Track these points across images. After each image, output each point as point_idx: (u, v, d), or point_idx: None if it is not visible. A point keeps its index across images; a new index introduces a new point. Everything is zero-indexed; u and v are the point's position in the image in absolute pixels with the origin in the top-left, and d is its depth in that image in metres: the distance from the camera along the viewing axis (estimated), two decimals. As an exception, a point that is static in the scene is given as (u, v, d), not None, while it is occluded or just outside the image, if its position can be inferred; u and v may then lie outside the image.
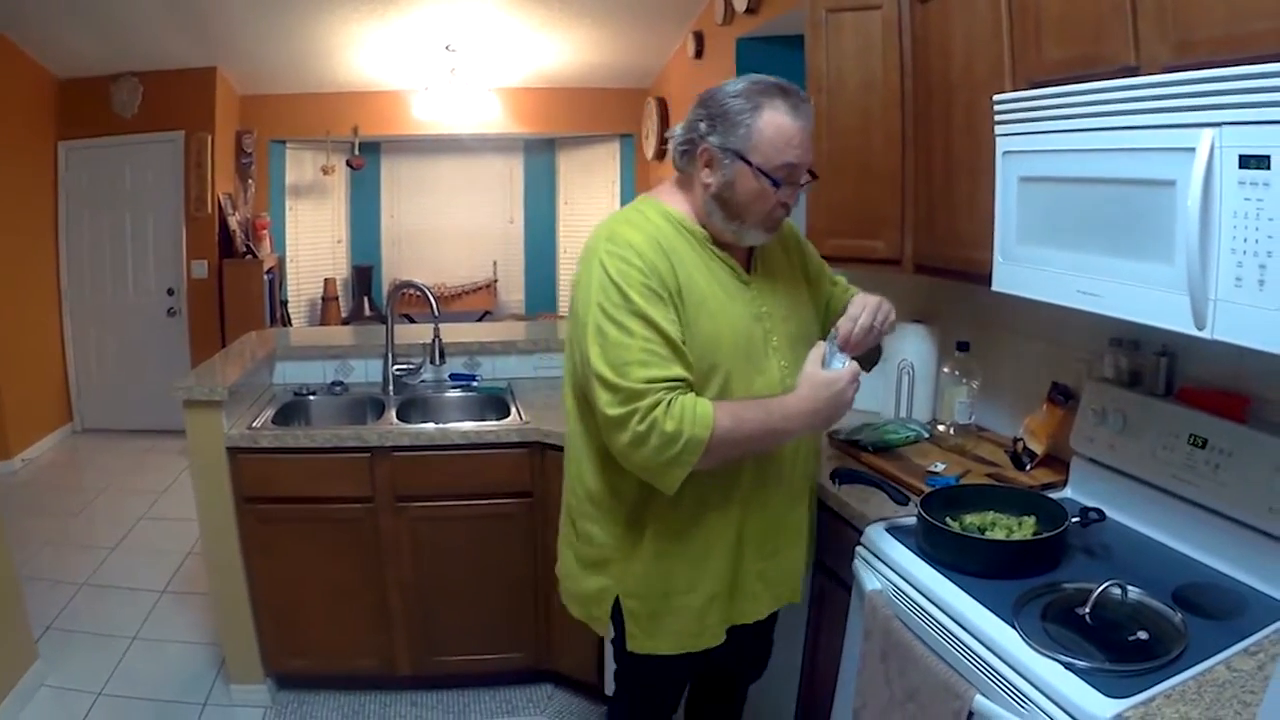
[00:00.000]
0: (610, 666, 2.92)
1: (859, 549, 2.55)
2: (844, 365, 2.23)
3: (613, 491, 2.36)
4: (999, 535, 2.35)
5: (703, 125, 2.24)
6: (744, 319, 2.29)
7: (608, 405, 2.13)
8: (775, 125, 2.17)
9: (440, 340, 4.22)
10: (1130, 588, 2.01)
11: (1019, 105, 2.29)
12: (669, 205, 2.33)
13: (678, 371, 2.13)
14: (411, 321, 8.26)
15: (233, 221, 8.25)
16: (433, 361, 4.26)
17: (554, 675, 4.02)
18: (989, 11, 2.53)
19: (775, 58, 6.47)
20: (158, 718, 3.80)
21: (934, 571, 2.25)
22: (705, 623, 2.40)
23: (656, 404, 2.08)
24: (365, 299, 10.42)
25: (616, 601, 2.43)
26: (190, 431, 3.61)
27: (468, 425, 3.84)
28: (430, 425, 3.86)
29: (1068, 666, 1.78)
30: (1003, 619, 1.99)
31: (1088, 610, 1.91)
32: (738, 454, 2.22)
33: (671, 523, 2.33)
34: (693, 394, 2.15)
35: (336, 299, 10.30)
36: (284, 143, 9.53)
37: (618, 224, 2.28)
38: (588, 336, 2.18)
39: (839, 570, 2.69)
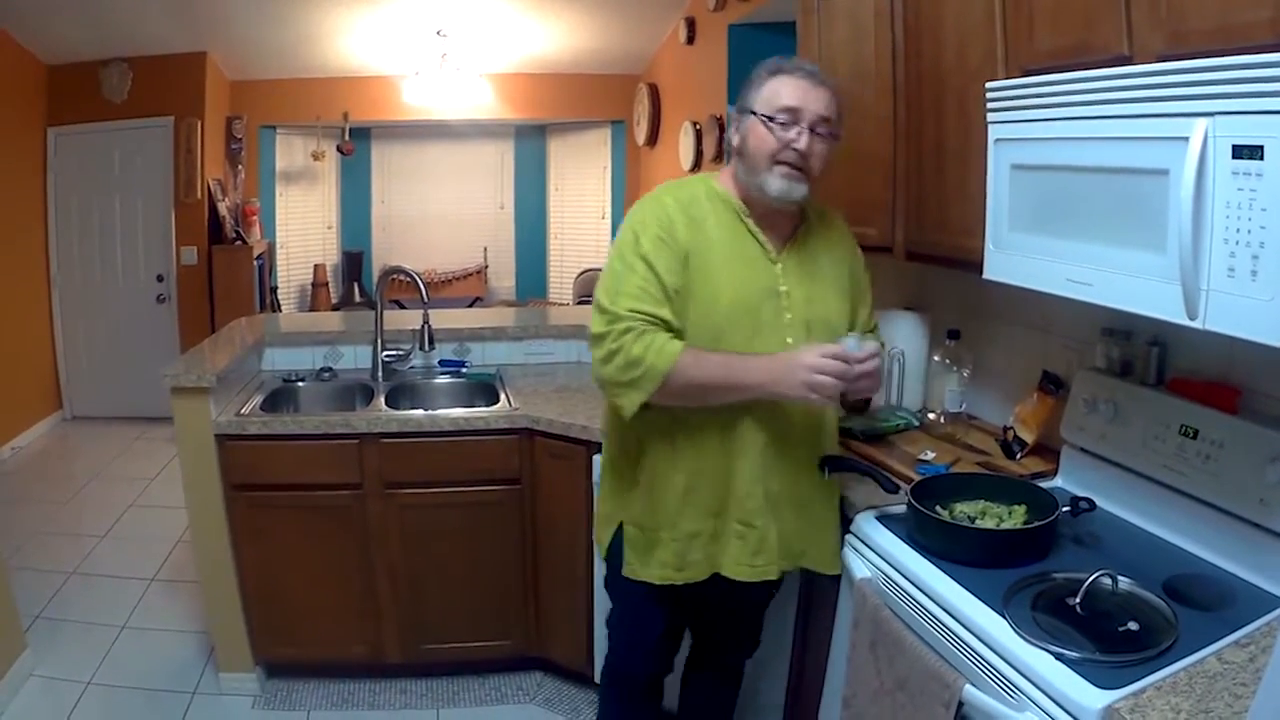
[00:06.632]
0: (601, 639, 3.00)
1: (849, 537, 2.56)
2: None
3: (625, 426, 2.55)
4: (989, 524, 2.35)
5: (736, 106, 2.53)
6: (754, 289, 2.46)
7: (594, 324, 2.43)
8: (777, 81, 2.44)
9: (430, 326, 4.21)
10: (1121, 578, 2.00)
11: (1012, 93, 2.28)
12: (716, 182, 2.57)
13: (663, 313, 2.38)
14: (402, 307, 8.22)
15: (222, 207, 8.23)
16: (422, 348, 4.24)
17: (543, 663, 4.02)
18: (982, -1, 2.53)
19: (767, 44, 6.42)
20: (147, 706, 3.79)
21: (924, 560, 2.25)
22: (687, 559, 2.55)
23: (629, 330, 2.35)
24: (355, 285, 10.40)
25: (618, 532, 2.67)
26: (178, 418, 3.59)
27: (457, 412, 3.83)
28: (419, 412, 3.86)
29: (1058, 657, 1.78)
30: (993, 608, 1.98)
31: (1078, 600, 1.91)
32: (697, 393, 2.40)
33: (665, 460, 2.53)
34: (670, 335, 2.38)
35: (326, 285, 10.28)
36: (274, 128, 9.50)
37: (663, 188, 2.57)
38: (603, 271, 2.49)
39: (829, 559, 2.68)
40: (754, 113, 2.44)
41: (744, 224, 2.50)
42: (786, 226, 2.56)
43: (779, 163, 2.41)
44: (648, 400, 2.38)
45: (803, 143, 2.39)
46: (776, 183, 2.42)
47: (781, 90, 2.41)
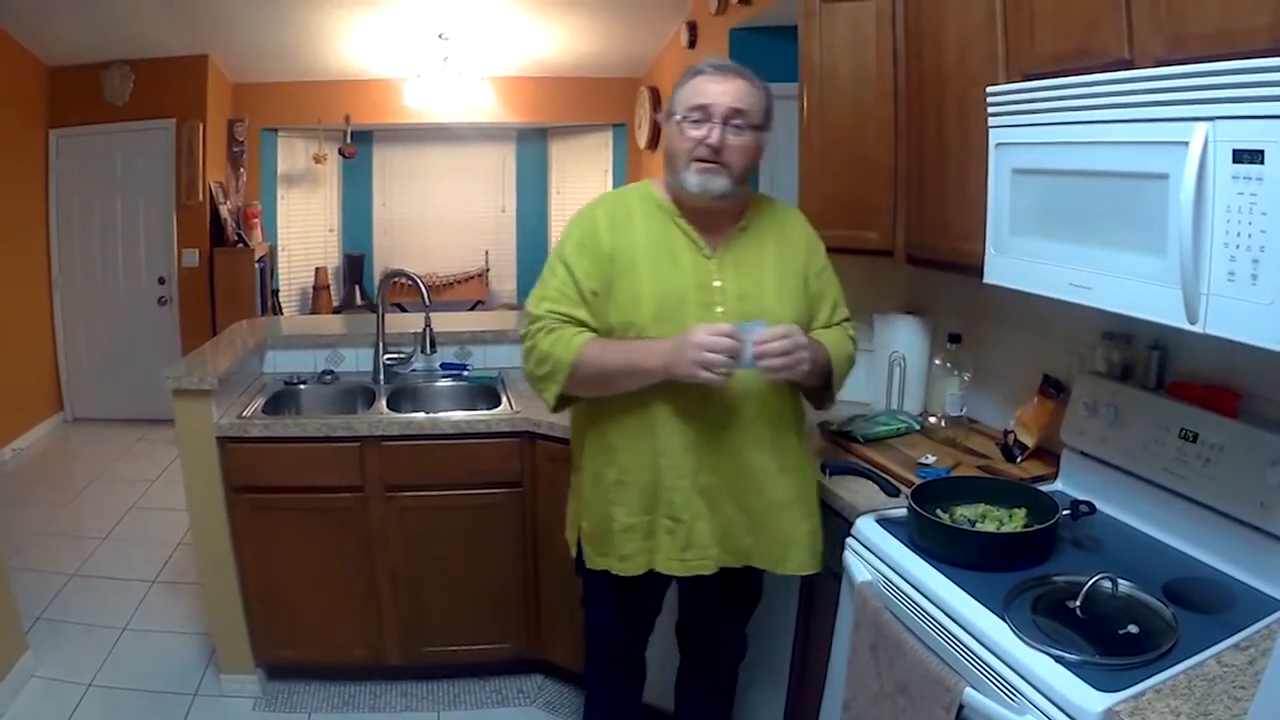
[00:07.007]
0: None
1: (849, 540, 2.55)
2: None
3: (576, 428, 2.78)
4: (990, 528, 2.35)
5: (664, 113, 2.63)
6: (681, 285, 2.54)
7: (520, 325, 2.67)
8: (693, 82, 2.52)
9: (431, 329, 4.20)
10: (1121, 581, 2.01)
11: (1012, 97, 2.29)
12: (653, 186, 2.67)
13: (578, 314, 2.54)
14: (403, 310, 8.22)
15: (224, 210, 8.23)
16: (424, 351, 4.24)
17: (544, 665, 4.01)
18: (983, 3, 2.53)
19: (768, 48, 6.42)
20: (148, 708, 3.79)
21: (924, 564, 2.25)
22: (624, 552, 2.62)
23: (542, 329, 2.54)
24: (357, 288, 10.41)
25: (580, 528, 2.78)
26: (180, 421, 3.59)
27: (458, 415, 3.83)
28: (420, 415, 3.86)
29: (1058, 660, 1.78)
30: (993, 612, 1.99)
31: (1078, 603, 1.92)
32: (605, 381, 2.54)
33: (601, 456, 2.64)
34: (580, 329, 2.54)
35: (328, 288, 10.29)
36: (276, 131, 9.51)
37: (598, 198, 2.73)
38: None
39: (829, 562, 2.68)
40: (672, 114, 2.53)
41: (676, 224, 2.58)
42: (725, 224, 2.61)
43: (694, 160, 2.48)
44: (565, 392, 2.56)
45: (714, 137, 2.45)
46: (692, 179, 2.49)
47: (694, 89, 2.49)
